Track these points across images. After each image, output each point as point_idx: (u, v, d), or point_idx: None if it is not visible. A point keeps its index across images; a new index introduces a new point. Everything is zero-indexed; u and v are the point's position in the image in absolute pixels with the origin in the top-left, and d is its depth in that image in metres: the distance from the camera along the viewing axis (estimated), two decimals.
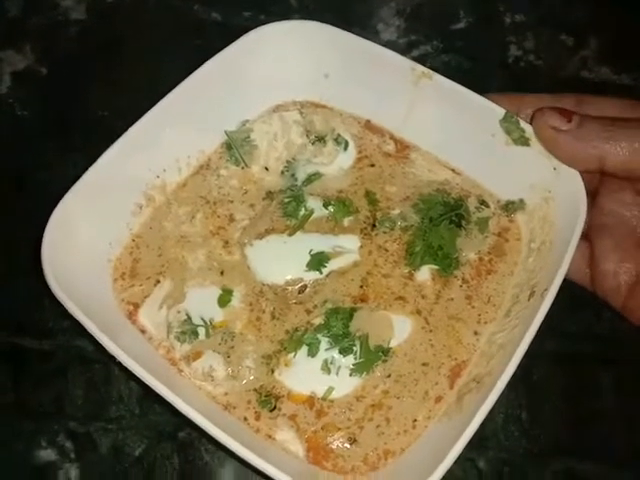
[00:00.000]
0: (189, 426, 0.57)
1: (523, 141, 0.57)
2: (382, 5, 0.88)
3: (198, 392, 0.53)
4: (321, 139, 0.65)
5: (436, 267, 0.59)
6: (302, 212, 0.61)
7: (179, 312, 0.56)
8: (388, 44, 0.84)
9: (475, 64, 0.82)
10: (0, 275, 0.65)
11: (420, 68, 0.60)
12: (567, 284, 0.56)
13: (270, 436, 0.51)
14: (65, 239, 0.53)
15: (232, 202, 0.63)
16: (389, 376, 0.54)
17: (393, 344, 0.55)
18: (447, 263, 0.58)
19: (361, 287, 0.58)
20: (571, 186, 0.53)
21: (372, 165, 0.65)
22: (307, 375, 0.53)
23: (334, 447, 0.51)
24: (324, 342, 0.54)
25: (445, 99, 0.60)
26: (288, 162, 0.65)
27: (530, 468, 0.57)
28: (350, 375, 0.53)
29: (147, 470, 0.57)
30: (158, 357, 0.54)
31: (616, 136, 0.50)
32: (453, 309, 0.57)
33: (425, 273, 0.58)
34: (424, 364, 0.54)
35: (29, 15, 0.86)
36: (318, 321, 0.55)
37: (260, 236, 0.60)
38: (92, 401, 0.60)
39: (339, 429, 0.51)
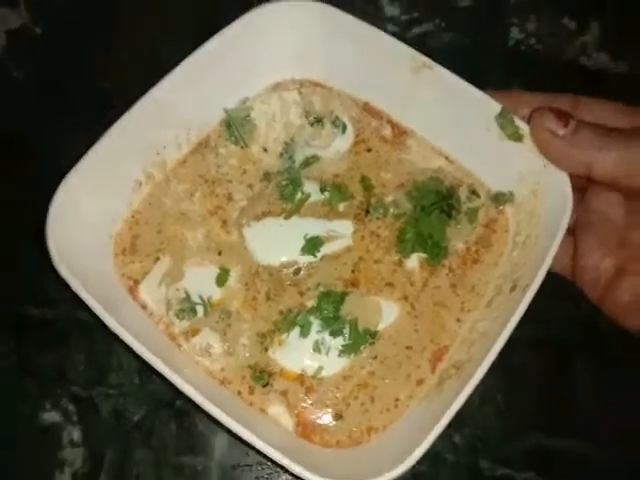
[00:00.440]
0: (184, 396, 0.61)
1: (516, 137, 0.58)
2: None
3: (196, 367, 0.56)
4: (319, 121, 0.66)
5: (425, 255, 0.61)
6: (299, 196, 0.62)
7: (178, 290, 0.58)
8: (391, 20, 0.83)
9: (476, 45, 0.82)
10: (3, 243, 0.67)
11: (421, 58, 0.60)
12: (549, 274, 0.60)
13: (263, 410, 0.55)
14: (68, 217, 0.54)
15: (230, 182, 0.64)
16: (375, 357, 0.57)
17: (380, 328, 0.58)
18: (436, 252, 0.61)
19: (353, 272, 0.61)
20: (559, 183, 0.56)
21: (369, 150, 0.67)
22: (299, 354, 0.56)
23: (321, 422, 0.55)
24: (316, 324, 0.57)
25: (444, 89, 0.61)
26: (286, 143, 0.66)
27: (502, 444, 0.62)
28: (339, 356, 0.56)
29: (146, 434, 0.61)
30: (158, 332, 0.57)
31: (607, 147, 0.52)
32: (438, 296, 0.60)
33: (414, 261, 0.61)
34: (408, 348, 0.58)
35: None
36: (311, 303, 0.58)
37: (257, 218, 0.62)
38: (93, 368, 0.63)
39: (327, 406, 0.55)
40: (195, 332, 0.57)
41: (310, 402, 0.55)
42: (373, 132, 0.67)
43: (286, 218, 0.61)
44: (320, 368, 0.56)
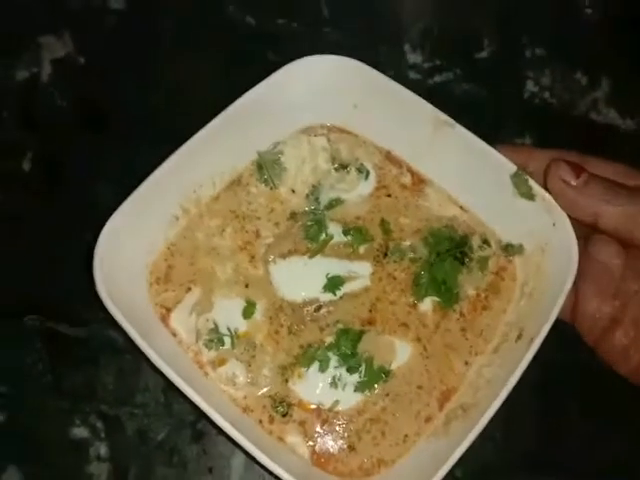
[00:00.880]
0: (206, 418, 0.65)
1: (529, 196, 0.63)
2: (411, 26, 0.91)
3: (222, 394, 0.60)
4: (345, 167, 0.71)
5: (438, 299, 0.66)
6: (323, 237, 0.67)
7: (207, 320, 0.63)
8: (413, 67, 0.88)
9: (492, 96, 0.86)
10: (42, 267, 0.71)
11: (443, 117, 0.65)
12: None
13: (281, 438, 0.59)
14: (112, 250, 0.58)
15: (259, 219, 0.69)
16: (387, 395, 0.61)
17: (394, 366, 0.62)
18: (448, 297, 0.65)
19: (370, 311, 0.65)
20: (565, 245, 0.60)
21: (389, 195, 0.71)
22: (317, 388, 0.61)
23: (335, 453, 0.59)
24: (334, 360, 0.61)
25: (462, 146, 0.65)
26: (313, 186, 0.70)
27: (500, 478, 0.66)
28: (354, 391, 0.61)
29: (168, 453, 0.65)
30: (187, 359, 0.61)
31: (613, 201, 0.58)
32: (449, 339, 0.64)
33: (428, 304, 0.65)
34: (419, 387, 0.62)
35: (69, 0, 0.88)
36: (329, 339, 0.63)
37: (283, 255, 0.66)
38: (121, 388, 0.67)
39: (341, 437, 0.59)
40: (222, 362, 0.61)
41: (325, 433, 0.60)
42: (394, 179, 0.72)
43: (310, 257, 0.66)
44: (336, 402, 0.60)
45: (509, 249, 0.68)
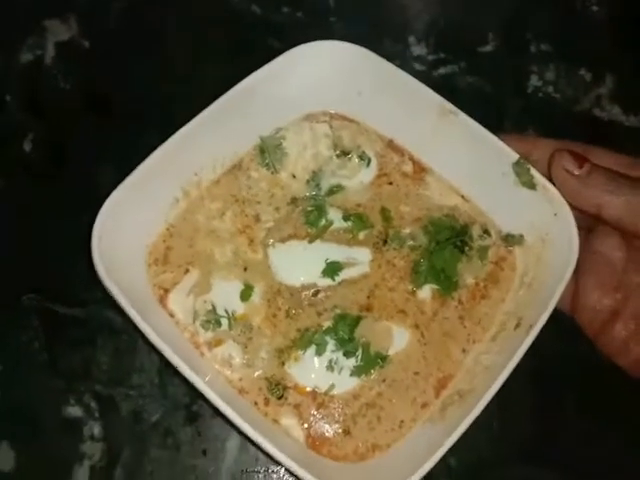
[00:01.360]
0: (203, 401, 0.65)
1: (530, 185, 0.63)
2: (416, 18, 0.91)
3: (217, 375, 0.60)
4: (347, 154, 0.70)
5: (437, 287, 0.65)
6: (323, 222, 0.67)
7: (205, 302, 0.62)
8: (418, 59, 0.88)
9: (496, 89, 0.86)
10: (42, 247, 0.71)
11: (448, 105, 0.65)
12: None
13: (276, 421, 0.59)
14: (111, 230, 0.58)
15: (259, 203, 0.69)
16: (384, 380, 0.61)
17: (391, 352, 0.62)
18: (447, 285, 0.65)
19: (368, 297, 0.65)
20: (566, 235, 0.60)
21: (390, 183, 0.71)
22: (313, 371, 0.60)
23: (330, 436, 0.59)
24: (331, 344, 0.61)
25: (465, 134, 0.65)
26: (314, 172, 0.70)
27: (494, 471, 0.66)
28: (350, 375, 0.60)
29: (162, 435, 0.65)
30: (184, 339, 0.61)
31: (617, 191, 0.57)
32: (447, 326, 0.64)
33: (426, 291, 0.65)
34: (415, 373, 0.62)
35: None
36: (327, 324, 0.62)
37: (283, 240, 0.66)
38: (117, 368, 0.67)
39: (336, 421, 0.59)
40: (218, 343, 0.61)
41: (321, 416, 0.59)
42: (395, 167, 0.72)
43: (310, 242, 0.66)
44: (332, 386, 0.60)
45: (509, 239, 0.67)
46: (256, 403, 0.59)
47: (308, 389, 0.60)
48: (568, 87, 0.88)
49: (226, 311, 0.62)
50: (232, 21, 0.88)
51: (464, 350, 0.63)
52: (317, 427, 0.59)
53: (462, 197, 0.70)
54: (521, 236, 0.66)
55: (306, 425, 0.59)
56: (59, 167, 0.77)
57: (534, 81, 0.88)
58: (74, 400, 0.66)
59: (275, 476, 0.64)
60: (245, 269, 0.65)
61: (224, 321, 0.62)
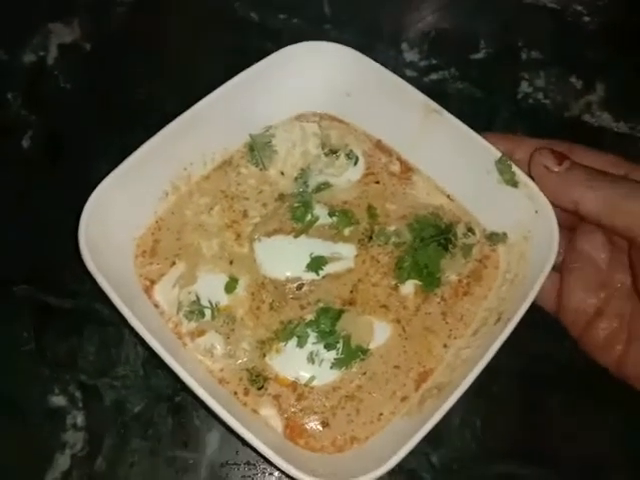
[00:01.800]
0: (185, 392, 0.65)
1: (513, 183, 0.63)
2: (410, 26, 0.93)
3: (198, 364, 0.60)
4: (335, 152, 0.72)
5: (420, 283, 0.66)
6: (309, 218, 0.68)
7: (190, 293, 0.63)
8: (410, 65, 0.90)
9: (486, 95, 0.88)
10: (35, 239, 0.73)
11: (433, 105, 0.66)
12: (537, 311, 0.64)
13: (255, 411, 0.59)
14: (99, 218, 0.59)
15: (247, 199, 0.70)
16: (364, 373, 0.61)
17: (372, 346, 0.62)
18: (430, 281, 0.66)
19: (351, 292, 0.65)
20: (547, 231, 0.60)
21: (377, 182, 0.72)
22: (294, 363, 0.61)
23: (308, 428, 0.59)
24: (312, 336, 0.61)
25: (450, 133, 0.66)
26: (302, 170, 0.71)
27: (477, 468, 0.65)
28: (331, 368, 0.61)
29: (144, 426, 0.65)
30: (167, 329, 0.62)
31: (595, 186, 0.57)
32: (429, 322, 0.64)
33: (409, 287, 0.66)
34: (396, 367, 0.62)
35: None
36: (310, 317, 0.63)
37: (269, 234, 0.67)
38: (102, 359, 0.68)
39: (315, 413, 0.59)
40: (201, 333, 0.62)
41: (300, 408, 0.60)
42: (383, 167, 0.73)
43: (295, 237, 0.67)
44: (312, 377, 0.60)
45: (493, 238, 0.68)
46: (236, 393, 0.60)
47: (288, 380, 0.61)
48: (558, 94, 0.89)
49: (210, 302, 0.63)
50: (232, 27, 0.91)
51: (445, 345, 0.63)
52: (296, 418, 0.59)
53: (448, 196, 0.71)
54: (504, 234, 0.67)
55: (285, 416, 0.59)
56: (55, 162, 0.79)
57: (524, 87, 0.89)
58: (59, 389, 0.66)
59: (254, 470, 0.64)
60: (231, 262, 0.66)
61: (207, 312, 0.62)
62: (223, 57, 0.88)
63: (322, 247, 0.66)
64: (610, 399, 0.64)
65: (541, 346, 0.70)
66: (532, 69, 0.90)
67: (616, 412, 0.66)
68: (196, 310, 0.62)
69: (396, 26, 0.93)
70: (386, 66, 0.68)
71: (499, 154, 0.63)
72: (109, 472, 0.63)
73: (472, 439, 0.66)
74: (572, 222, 0.64)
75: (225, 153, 0.71)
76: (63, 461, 0.63)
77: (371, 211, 0.70)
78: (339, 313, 0.63)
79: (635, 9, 0.95)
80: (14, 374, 0.67)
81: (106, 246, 0.61)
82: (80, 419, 0.65)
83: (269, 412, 0.59)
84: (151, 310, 0.63)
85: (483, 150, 0.64)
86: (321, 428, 0.59)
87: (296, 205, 0.68)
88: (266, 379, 0.60)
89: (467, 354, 0.60)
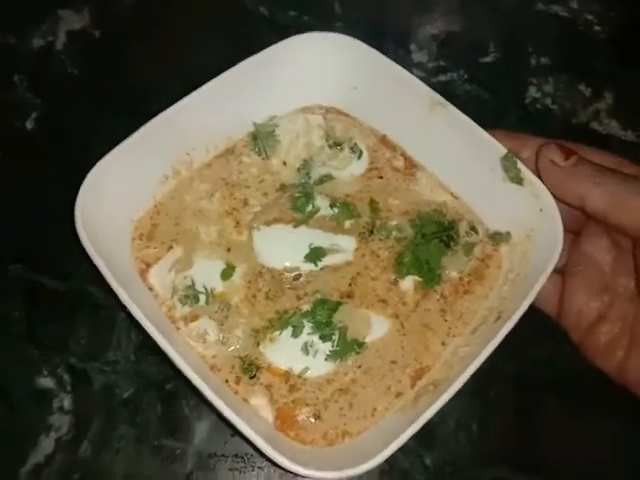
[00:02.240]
0: (175, 379, 0.64)
1: (517, 180, 0.63)
2: (419, 27, 0.93)
3: (190, 350, 0.59)
4: (338, 145, 0.71)
5: (420, 279, 0.65)
6: (309, 208, 0.67)
7: (185, 278, 0.62)
8: (418, 65, 0.90)
9: (494, 98, 0.87)
10: (33, 219, 0.72)
11: (438, 97, 0.65)
12: (537, 314, 0.63)
13: (246, 400, 0.58)
14: (97, 197, 0.59)
15: (248, 188, 0.69)
16: (360, 367, 0.60)
17: (368, 340, 0.61)
18: (430, 277, 0.64)
19: (350, 285, 0.64)
20: (551, 229, 0.59)
21: (380, 177, 0.71)
22: (288, 353, 0.59)
23: (299, 419, 0.57)
24: (308, 327, 0.60)
25: (455, 128, 0.66)
26: (305, 161, 0.71)
27: (471, 471, 0.63)
28: (325, 360, 0.59)
29: (132, 412, 0.63)
30: (160, 313, 0.61)
31: (603, 183, 0.56)
32: (427, 319, 0.63)
33: (409, 282, 0.64)
34: (392, 362, 0.60)
35: None
36: (306, 307, 0.62)
37: (268, 223, 0.66)
38: (93, 343, 0.66)
39: (307, 405, 0.58)
40: (194, 318, 0.60)
41: (292, 399, 0.58)
42: (387, 162, 0.72)
43: (295, 227, 0.66)
44: (306, 368, 0.59)
45: (496, 237, 0.67)
46: (227, 381, 0.58)
47: (281, 370, 0.59)
48: (567, 100, 0.89)
49: (205, 288, 0.62)
50: (240, 20, 0.91)
51: (444, 343, 0.62)
52: (287, 409, 0.58)
53: (451, 194, 0.70)
54: (508, 234, 0.66)
55: (276, 406, 0.58)
56: (58, 144, 0.78)
57: (532, 92, 0.89)
58: (47, 371, 0.65)
59: (242, 463, 0.62)
60: (229, 250, 0.65)
61: (202, 297, 0.61)
62: (230, 49, 0.87)
63: (322, 238, 0.65)
64: (610, 405, 0.63)
65: (541, 350, 0.69)
66: (541, 75, 0.90)
67: (616, 419, 0.64)
68: (191, 295, 0.61)
69: (406, 27, 0.93)
70: None
71: (505, 150, 0.63)
72: (93, 457, 0.61)
73: (467, 442, 0.64)
74: (577, 225, 0.63)
75: (228, 141, 0.71)
76: (47, 444, 0.62)
77: (373, 205, 0.69)
78: (336, 305, 0.61)
79: None
80: (2, 354, 0.66)
81: (103, 227, 0.60)
82: (67, 402, 0.64)
83: (260, 402, 0.57)
84: (145, 293, 0.62)
85: (488, 146, 0.63)
86: (312, 420, 0.57)
87: (297, 195, 0.67)
88: (259, 368, 0.59)
89: (465, 352, 0.58)
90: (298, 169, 0.70)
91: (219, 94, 0.65)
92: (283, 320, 0.61)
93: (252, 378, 0.59)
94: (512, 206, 0.64)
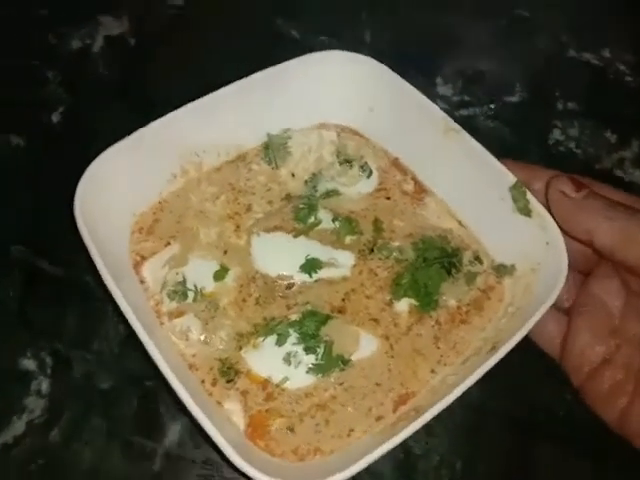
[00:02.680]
0: (156, 378, 0.62)
1: (526, 211, 0.61)
2: (447, 61, 0.94)
3: (171, 346, 0.58)
4: (349, 162, 0.71)
5: (416, 302, 0.62)
6: (311, 220, 0.66)
7: (177, 274, 0.62)
8: (442, 98, 0.90)
9: (516, 137, 0.86)
10: (41, 205, 0.73)
11: (451, 123, 0.65)
12: (539, 356, 0.60)
13: (219, 403, 0.56)
14: (99, 188, 0.59)
15: (254, 195, 0.69)
16: (341, 384, 0.58)
17: (354, 358, 0.59)
18: (427, 301, 0.62)
19: (343, 300, 0.62)
20: (556, 263, 0.57)
21: (388, 198, 0.70)
22: (269, 360, 0.58)
23: (272, 430, 0.55)
24: (293, 336, 0.58)
25: (467, 155, 0.65)
26: (314, 174, 0.71)
27: None
28: (307, 372, 0.57)
29: (107, 404, 0.62)
30: (147, 306, 0.60)
31: (613, 217, 0.54)
32: (419, 344, 0.61)
33: (404, 305, 0.62)
34: (377, 384, 0.58)
35: None
36: (294, 317, 0.60)
37: (268, 230, 0.66)
38: (81, 331, 0.66)
39: (282, 416, 0.55)
40: (179, 314, 0.60)
41: (266, 408, 0.56)
42: (396, 184, 0.71)
43: (294, 236, 0.65)
44: (285, 378, 0.57)
45: (501, 269, 0.65)
46: (203, 381, 0.57)
47: (260, 378, 0.57)
48: (591, 145, 0.87)
49: (195, 286, 0.61)
50: (271, 42, 0.93)
51: (433, 371, 0.59)
52: (260, 418, 0.55)
53: (459, 222, 0.69)
54: (512, 266, 0.64)
55: (249, 414, 0.56)
56: (78, 140, 0.80)
57: (556, 135, 0.87)
58: (31, 353, 0.65)
59: (211, 470, 0.60)
60: (225, 252, 0.65)
61: (190, 294, 0.61)
62: (257, 67, 0.89)
63: (320, 251, 0.64)
64: (608, 459, 0.58)
65: (540, 394, 0.65)
66: (566, 118, 0.89)
67: (614, 473, 0.59)
68: (180, 291, 0.60)
69: (433, 60, 0.94)
70: None
71: (514, 179, 0.61)
72: (62, 445, 0.60)
73: None
74: (587, 266, 0.61)
75: (241, 149, 0.71)
76: (19, 425, 0.61)
77: (377, 225, 0.68)
78: (326, 318, 0.60)
79: None
80: None
81: (103, 217, 0.61)
82: (45, 386, 0.63)
83: (234, 407, 0.56)
84: (136, 285, 0.62)
85: (498, 174, 0.62)
86: (285, 433, 0.55)
87: (301, 206, 0.67)
88: (237, 372, 0.57)
89: (453, 380, 0.55)
90: (306, 181, 0.70)
91: (236, 100, 0.66)
92: (269, 327, 0.59)
93: (229, 382, 0.57)
94: (519, 239, 0.62)
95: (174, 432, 0.61)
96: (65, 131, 0.82)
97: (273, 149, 0.71)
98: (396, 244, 0.66)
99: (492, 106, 0.89)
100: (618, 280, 0.59)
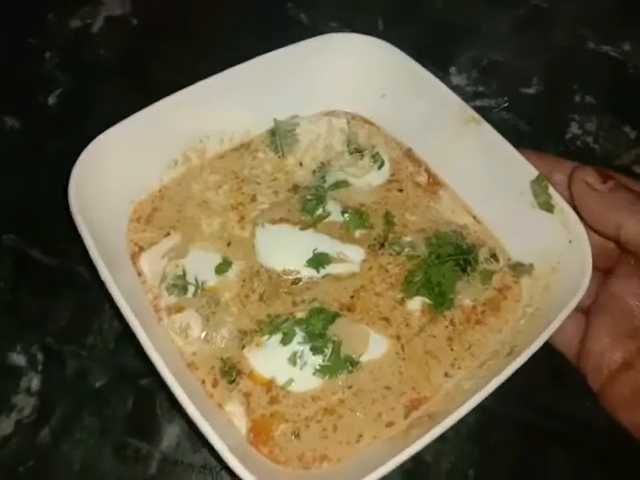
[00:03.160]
0: (152, 376, 0.59)
1: (547, 207, 0.57)
2: (462, 51, 0.90)
3: (170, 343, 0.54)
4: (360, 152, 0.67)
5: (429, 301, 0.59)
6: (319, 212, 0.63)
7: (177, 266, 0.58)
8: (455, 88, 0.85)
9: (532, 130, 0.83)
10: (34, 191, 0.70)
11: (471, 112, 0.61)
12: (554, 357, 0.57)
13: (220, 405, 0.52)
14: (94, 173, 0.56)
15: (259, 184, 0.66)
16: (350, 387, 0.54)
17: (363, 359, 0.55)
18: (441, 301, 0.59)
19: (352, 297, 0.59)
20: (579, 263, 0.54)
21: (400, 190, 0.67)
22: (273, 360, 0.54)
23: (275, 435, 0.51)
24: (299, 335, 0.55)
25: (486, 147, 0.61)
26: (322, 164, 0.67)
27: None
28: (313, 374, 0.54)
29: (101, 403, 0.59)
30: (145, 301, 0.57)
31: None
32: (432, 345, 0.57)
33: (417, 304, 0.59)
34: (387, 387, 0.55)
35: None
36: (301, 315, 0.57)
37: (274, 221, 0.62)
38: (74, 325, 0.63)
39: (286, 420, 0.52)
40: (179, 310, 0.56)
41: (270, 412, 0.53)
42: (409, 176, 0.68)
43: (301, 229, 0.61)
44: (291, 380, 0.54)
45: (518, 268, 0.61)
46: (203, 382, 0.54)
47: (264, 379, 0.54)
48: (609, 141, 0.83)
49: (196, 280, 0.58)
50: (278, 26, 0.89)
51: (447, 374, 0.56)
52: (264, 422, 0.52)
53: (474, 217, 0.65)
54: (531, 265, 0.60)
55: (252, 417, 0.52)
56: (76, 122, 0.77)
57: (574, 129, 0.84)
58: (21, 347, 0.61)
59: (209, 476, 0.56)
60: (228, 244, 0.61)
61: (191, 288, 0.57)
62: (264, 49, 0.86)
63: (328, 245, 0.61)
64: (625, 468, 0.55)
65: (557, 400, 0.62)
66: (584, 113, 0.85)
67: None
68: (179, 285, 0.57)
69: (448, 50, 0.90)
70: None
71: (536, 173, 0.58)
72: (52, 445, 0.57)
73: None
74: (607, 264, 0.58)
75: (246, 136, 0.68)
76: (6, 425, 0.57)
77: (388, 218, 0.64)
78: (334, 316, 0.56)
79: None
80: None
81: (99, 203, 0.57)
82: (35, 383, 0.60)
83: (236, 410, 0.52)
84: (133, 277, 0.58)
85: (519, 167, 0.59)
86: (290, 439, 0.52)
87: (309, 197, 0.63)
88: (239, 373, 0.54)
89: (469, 385, 0.52)
90: (314, 171, 0.67)
91: (242, 82, 0.63)
92: (274, 325, 0.56)
93: (231, 383, 0.53)
94: (539, 236, 0.59)
95: (171, 434, 0.58)
96: (62, 113, 0.78)
97: (280, 136, 0.67)
98: (408, 239, 0.63)
99: (507, 98, 0.85)
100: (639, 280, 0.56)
